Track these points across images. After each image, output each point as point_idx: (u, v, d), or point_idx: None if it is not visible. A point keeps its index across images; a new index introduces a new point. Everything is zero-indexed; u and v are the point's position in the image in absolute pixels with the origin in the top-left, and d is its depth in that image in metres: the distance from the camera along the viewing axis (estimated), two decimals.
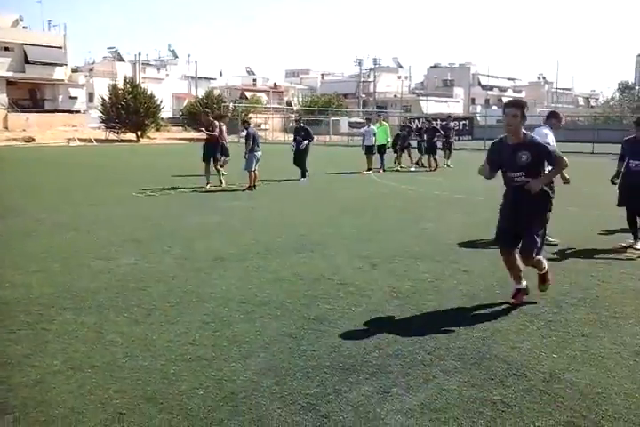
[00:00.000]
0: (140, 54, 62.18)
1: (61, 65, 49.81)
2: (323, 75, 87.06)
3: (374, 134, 18.34)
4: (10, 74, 46.50)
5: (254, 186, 13.29)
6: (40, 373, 3.67)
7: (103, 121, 43.21)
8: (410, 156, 20.58)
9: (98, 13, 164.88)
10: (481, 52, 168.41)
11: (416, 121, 32.03)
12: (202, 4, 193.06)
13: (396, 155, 20.21)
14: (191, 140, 46.43)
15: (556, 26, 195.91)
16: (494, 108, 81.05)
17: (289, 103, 78.43)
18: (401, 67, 79.74)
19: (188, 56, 72.85)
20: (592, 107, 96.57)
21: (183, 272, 6.10)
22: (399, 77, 75.43)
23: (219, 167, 14.17)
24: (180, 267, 6.33)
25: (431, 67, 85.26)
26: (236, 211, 10.35)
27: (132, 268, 6.25)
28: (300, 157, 15.90)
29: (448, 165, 20.38)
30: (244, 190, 13.21)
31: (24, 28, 49.82)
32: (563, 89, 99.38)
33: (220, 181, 13.99)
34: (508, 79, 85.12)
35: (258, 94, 73.69)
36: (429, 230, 8.62)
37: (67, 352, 3.99)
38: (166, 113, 52.97)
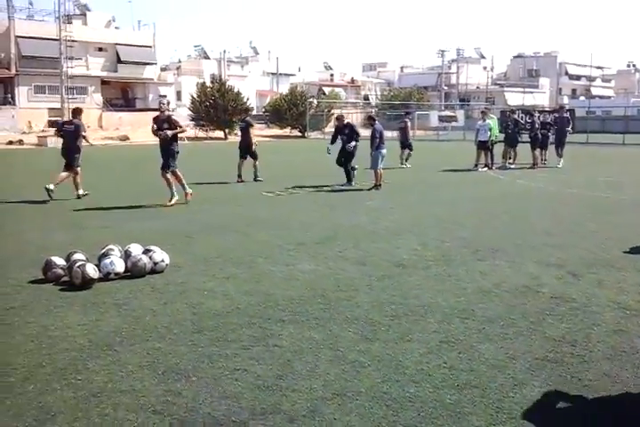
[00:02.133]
0: (225, 52, 63.05)
1: (151, 64, 51.20)
2: (402, 67, 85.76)
3: (490, 129, 17.57)
4: (104, 74, 48.21)
5: (380, 184, 12.91)
6: (307, 399, 3.38)
7: (193, 119, 44.13)
8: (515, 151, 19.13)
9: (182, 11, 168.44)
10: (567, 39, 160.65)
11: (516, 113, 29.84)
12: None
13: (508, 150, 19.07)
14: (277, 136, 46.80)
15: None
16: (582, 98, 77.61)
17: (366, 97, 77.80)
18: (483, 57, 77.49)
19: (269, 52, 73.40)
20: None
21: (373, 280, 5.76)
22: (484, 68, 73.25)
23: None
24: (365, 273, 6.00)
25: (514, 57, 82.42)
26: (376, 211, 9.98)
27: (317, 274, 5.97)
28: (346, 159, 13.61)
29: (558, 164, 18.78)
30: (369, 189, 12.85)
31: (116, 28, 51.44)
32: None
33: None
34: (597, 68, 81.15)
35: (336, 89, 73.50)
36: (602, 234, 7.95)
37: (318, 374, 3.70)
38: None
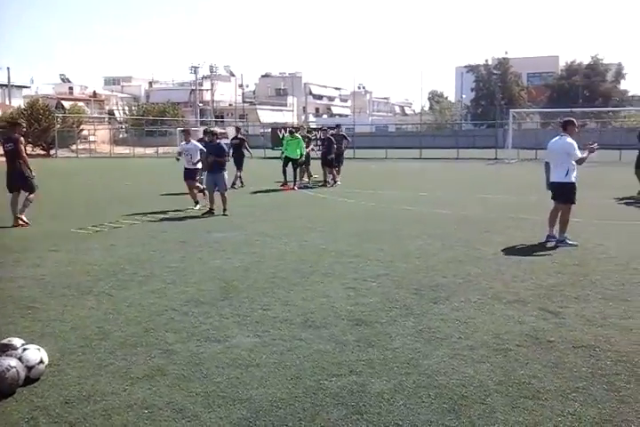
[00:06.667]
0: None
1: None
2: (151, 82, 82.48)
3: (299, 147, 16.59)
4: None
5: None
6: None
7: None
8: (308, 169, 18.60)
9: None
10: (308, 61, 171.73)
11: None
12: None
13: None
14: None
15: (370, 36, 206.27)
16: (324, 116, 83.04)
17: (111, 113, 73.31)
18: (233, 75, 78.24)
19: None
20: (406, 115, 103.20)
21: (354, 352, 4.34)
22: (240, 86, 73.84)
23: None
24: (332, 341, 4.54)
25: (262, 76, 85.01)
26: (244, 246, 8.29)
27: (275, 352, 4.32)
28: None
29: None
30: (203, 215, 11.09)
31: None
32: (382, 98, 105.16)
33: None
34: (335, 89, 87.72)
35: (78, 104, 67.70)
36: (502, 254, 7.54)
37: None
38: None
